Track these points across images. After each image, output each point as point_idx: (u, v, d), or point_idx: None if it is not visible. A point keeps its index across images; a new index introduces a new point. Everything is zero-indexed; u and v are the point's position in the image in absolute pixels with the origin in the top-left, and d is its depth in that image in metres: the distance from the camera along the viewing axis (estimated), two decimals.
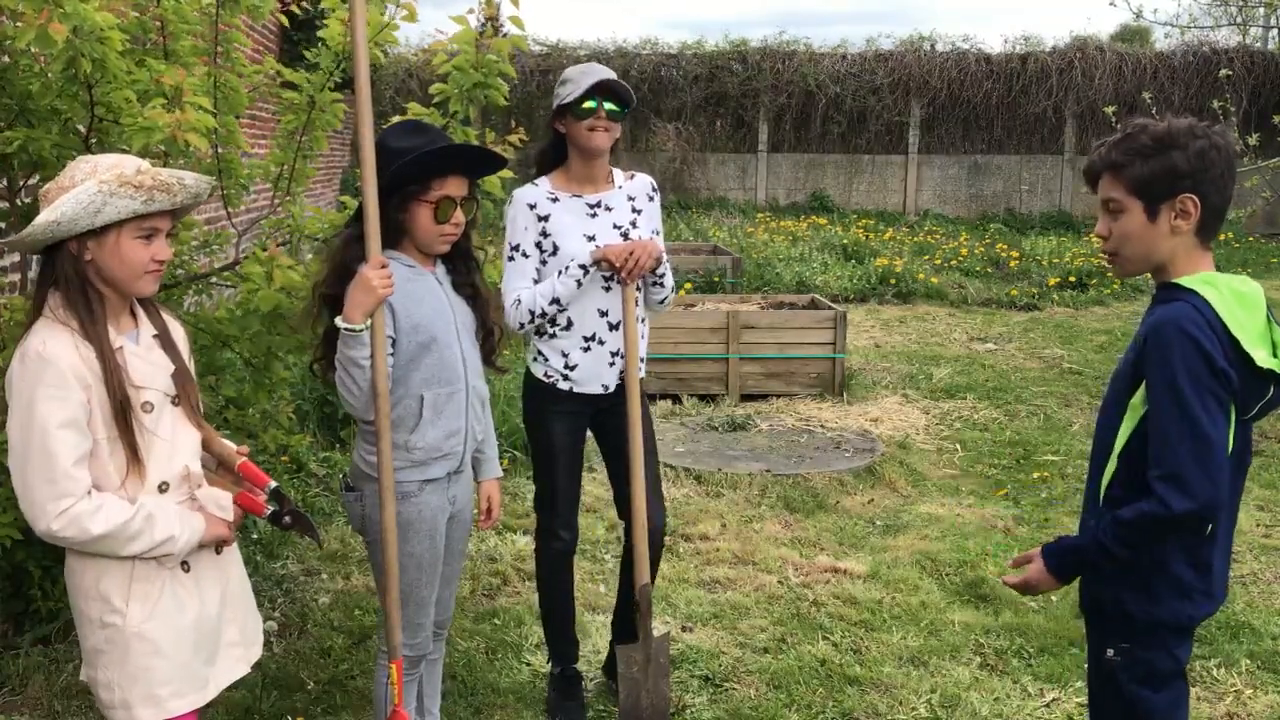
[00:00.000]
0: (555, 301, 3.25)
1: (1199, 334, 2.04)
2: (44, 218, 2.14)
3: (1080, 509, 2.36)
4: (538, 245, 3.31)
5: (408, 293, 2.71)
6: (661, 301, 3.43)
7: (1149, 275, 2.24)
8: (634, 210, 3.41)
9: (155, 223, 2.26)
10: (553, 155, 3.40)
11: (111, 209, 2.17)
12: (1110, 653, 2.23)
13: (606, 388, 3.39)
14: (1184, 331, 2.04)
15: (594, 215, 3.34)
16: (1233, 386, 2.06)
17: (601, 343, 3.35)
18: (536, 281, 3.31)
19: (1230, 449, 2.10)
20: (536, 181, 3.39)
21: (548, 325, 3.32)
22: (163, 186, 2.23)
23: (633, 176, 3.48)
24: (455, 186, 2.73)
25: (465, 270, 2.90)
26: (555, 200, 3.33)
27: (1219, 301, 2.08)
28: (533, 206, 3.31)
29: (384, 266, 2.56)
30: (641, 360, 3.43)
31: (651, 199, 3.47)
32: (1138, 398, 2.14)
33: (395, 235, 2.74)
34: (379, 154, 2.64)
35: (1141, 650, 2.20)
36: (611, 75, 3.24)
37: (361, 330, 2.55)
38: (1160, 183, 2.12)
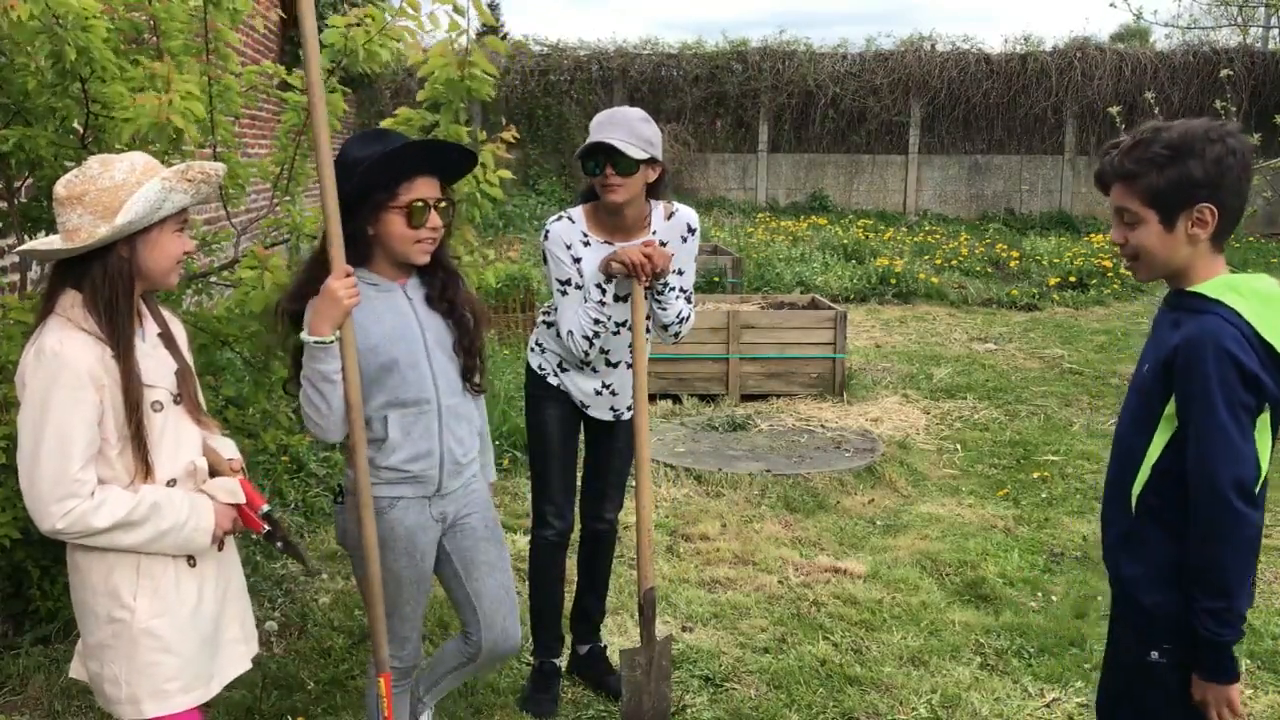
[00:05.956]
0: (597, 322, 3.27)
1: (1239, 351, 2.00)
2: (122, 219, 2.15)
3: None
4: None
5: (366, 311, 2.58)
6: (665, 327, 3.38)
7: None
8: None
9: (188, 215, 2.31)
10: (592, 192, 3.34)
11: (169, 204, 2.21)
12: (1155, 655, 2.18)
13: (585, 406, 3.46)
14: (1223, 349, 1.99)
15: None
16: (1269, 395, 2.03)
17: (595, 371, 3.42)
18: None
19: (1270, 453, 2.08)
20: (572, 217, 3.35)
21: (604, 329, 3.29)
22: (205, 179, 2.26)
23: (672, 215, 3.40)
24: (425, 188, 2.59)
25: (440, 285, 2.73)
26: (587, 244, 3.32)
27: (1248, 310, 2.04)
28: (569, 247, 3.31)
29: (349, 275, 2.46)
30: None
31: (686, 239, 3.40)
32: (1170, 409, 2.10)
33: (365, 250, 2.62)
34: (342, 167, 2.52)
35: (1190, 649, 2.15)
36: (616, 133, 3.13)
37: (331, 342, 2.45)
38: (1176, 193, 2.05)
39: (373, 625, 2.67)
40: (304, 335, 2.48)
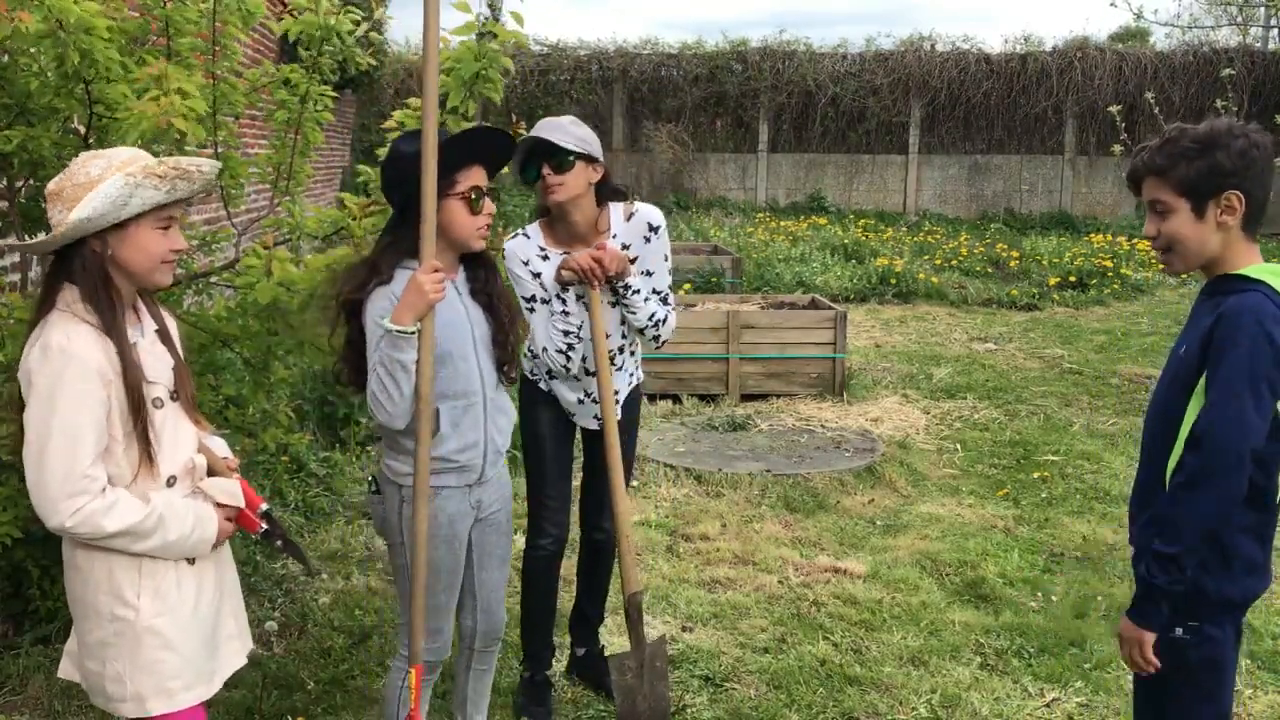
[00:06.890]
0: (567, 334, 3.25)
1: (1273, 327, 2.11)
2: (76, 215, 2.14)
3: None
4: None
5: None
6: (641, 331, 3.34)
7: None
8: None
9: (172, 212, 2.28)
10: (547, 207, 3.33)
11: (138, 201, 2.19)
12: (1180, 631, 2.27)
13: (572, 415, 3.47)
14: (1259, 322, 2.11)
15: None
16: None
17: (576, 379, 3.40)
18: None
19: None
20: (528, 233, 3.33)
21: (576, 339, 3.26)
22: (183, 175, 2.24)
23: (631, 216, 3.34)
24: (479, 176, 2.69)
25: (484, 277, 2.82)
26: (545, 258, 3.29)
27: None
28: (526, 263, 3.29)
29: (437, 270, 2.53)
30: (617, 395, 3.41)
31: (649, 239, 3.33)
32: (1203, 384, 2.19)
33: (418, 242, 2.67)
34: (396, 163, 2.62)
35: (1211, 627, 2.27)
36: (550, 134, 3.11)
37: (412, 333, 2.53)
38: (1206, 182, 2.21)
39: (412, 615, 2.70)
40: (386, 323, 2.53)
